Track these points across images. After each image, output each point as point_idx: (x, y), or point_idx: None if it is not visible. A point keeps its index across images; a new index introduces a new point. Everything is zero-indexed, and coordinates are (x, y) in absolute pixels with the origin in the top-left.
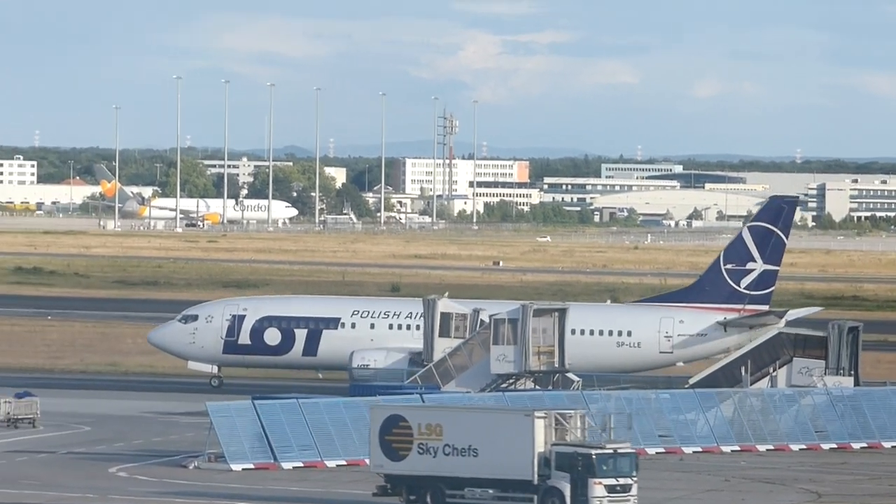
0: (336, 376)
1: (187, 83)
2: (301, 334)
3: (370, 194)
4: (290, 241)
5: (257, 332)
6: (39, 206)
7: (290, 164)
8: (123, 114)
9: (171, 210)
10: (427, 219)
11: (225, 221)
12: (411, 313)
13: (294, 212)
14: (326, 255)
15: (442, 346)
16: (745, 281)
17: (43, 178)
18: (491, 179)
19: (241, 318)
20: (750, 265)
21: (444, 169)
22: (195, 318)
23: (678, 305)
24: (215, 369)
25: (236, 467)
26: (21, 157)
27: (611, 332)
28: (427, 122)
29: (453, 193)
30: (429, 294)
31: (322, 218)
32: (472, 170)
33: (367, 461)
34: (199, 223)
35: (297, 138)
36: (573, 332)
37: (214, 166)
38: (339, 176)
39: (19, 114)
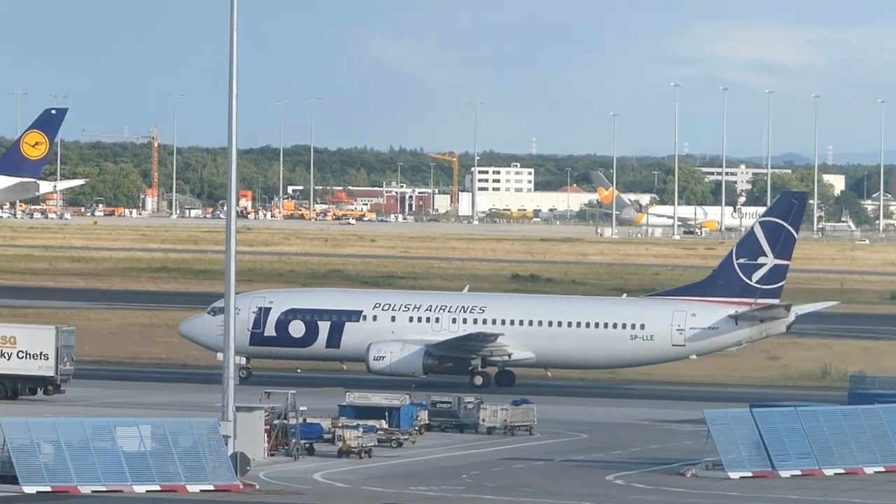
0: (358, 367)
1: (684, 90)
2: (324, 327)
3: (869, 201)
4: None
5: (282, 324)
6: (536, 213)
7: (789, 171)
8: (621, 121)
9: (668, 217)
10: None
11: (723, 229)
12: (431, 306)
13: None
14: (824, 262)
15: None
16: (757, 275)
17: (540, 186)
18: None
19: (267, 310)
20: (761, 259)
21: None
22: (223, 310)
23: (691, 299)
24: (243, 361)
25: (734, 475)
26: (518, 165)
27: (624, 325)
28: None
29: None
30: None
31: (820, 225)
32: None
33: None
34: (697, 231)
35: (795, 145)
36: (587, 325)
37: (712, 173)
38: (837, 183)
39: (516, 122)
